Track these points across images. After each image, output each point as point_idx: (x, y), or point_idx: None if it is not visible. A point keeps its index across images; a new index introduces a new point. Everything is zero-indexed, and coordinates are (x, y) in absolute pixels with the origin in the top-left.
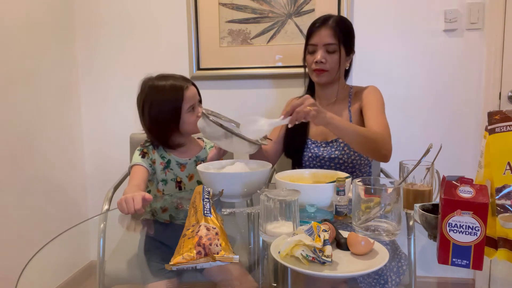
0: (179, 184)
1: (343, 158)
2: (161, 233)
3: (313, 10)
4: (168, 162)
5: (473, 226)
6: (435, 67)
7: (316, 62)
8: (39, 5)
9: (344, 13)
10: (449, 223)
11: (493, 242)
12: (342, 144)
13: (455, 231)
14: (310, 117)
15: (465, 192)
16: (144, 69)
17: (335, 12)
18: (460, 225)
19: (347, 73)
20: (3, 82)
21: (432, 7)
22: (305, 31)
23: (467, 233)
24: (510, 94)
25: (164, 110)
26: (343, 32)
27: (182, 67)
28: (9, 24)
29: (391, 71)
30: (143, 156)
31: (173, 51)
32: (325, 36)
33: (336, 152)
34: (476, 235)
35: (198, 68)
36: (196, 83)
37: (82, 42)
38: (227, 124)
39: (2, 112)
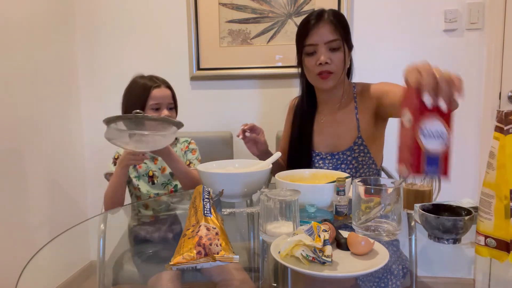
0: (151, 179)
1: (351, 173)
2: (157, 233)
3: (313, 10)
4: None
5: (441, 132)
6: None
7: (320, 63)
8: (39, 5)
9: (344, 13)
10: (421, 129)
11: (505, 245)
12: (350, 158)
13: (426, 136)
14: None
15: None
16: (144, 69)
17: None
18: (430, 131)
19: (348, 71)
20: (3, 82)
21: (432, 7)
22: None
23: (437, 138)
24: (510, 94)
25: (132, 102)
26: (342, 26)
27: (182, 67)
28: (10, 24)
29: (391, 71)
30: (115, 164)
31: (173, 51)
32: (325, 32)
33: (343, 165)
34: (444, 141)
35: (198, 68)
36: (196, 83)
37: (82, 42)
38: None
39: (2, 112)
